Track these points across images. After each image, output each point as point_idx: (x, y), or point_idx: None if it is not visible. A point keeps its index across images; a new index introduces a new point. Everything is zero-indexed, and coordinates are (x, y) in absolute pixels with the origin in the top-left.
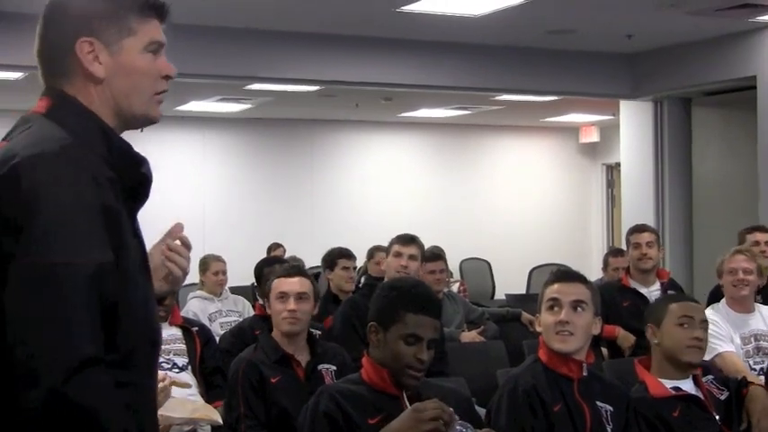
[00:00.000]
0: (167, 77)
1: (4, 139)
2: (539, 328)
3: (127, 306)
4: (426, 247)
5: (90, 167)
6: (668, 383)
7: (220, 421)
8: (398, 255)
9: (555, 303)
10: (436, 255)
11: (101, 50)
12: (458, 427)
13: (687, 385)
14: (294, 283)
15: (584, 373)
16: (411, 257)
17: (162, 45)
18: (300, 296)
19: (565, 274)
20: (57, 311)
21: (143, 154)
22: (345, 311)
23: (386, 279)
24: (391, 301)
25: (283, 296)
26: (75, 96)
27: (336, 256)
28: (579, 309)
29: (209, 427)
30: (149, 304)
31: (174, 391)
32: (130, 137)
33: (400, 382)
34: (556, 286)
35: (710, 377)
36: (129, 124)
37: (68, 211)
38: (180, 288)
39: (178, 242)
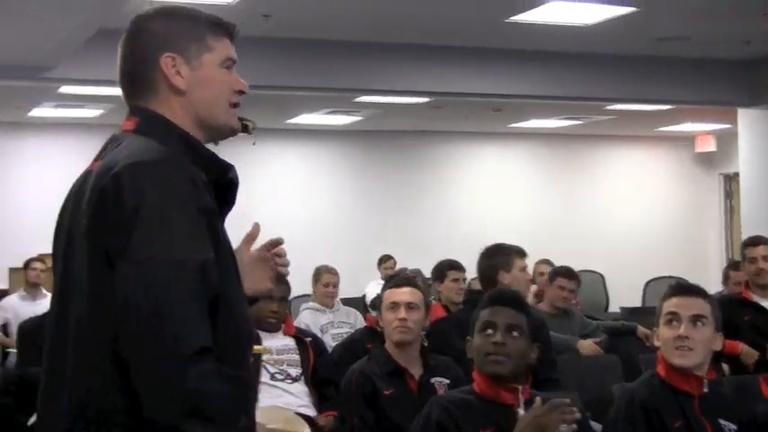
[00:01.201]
0: (240, 92)
1: (96, 160)
2: (656, 343)
3: (226, 301)
4: (538, 259)
5: (188, 171)
6: None
7: None
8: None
9: (674, 318)
10: (573, 273)
11: (182, 65)
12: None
13: None
14: (404, 293)
15: (705, 390)
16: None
17: (235, 62)
18: (410, 306)
19: (684, 288)
20: (168, 306)
21: (255, 166)
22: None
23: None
24: (477, 310)
25: (394, 306)
26: (160, 111)
27: (446, 268)
28: (699, 323)
29: None
30: (243, 302)
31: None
32: (243, 149)
33: (485, 373)
34: (674, 300)
35: None
36: (212, 135)
37: (172, 212)
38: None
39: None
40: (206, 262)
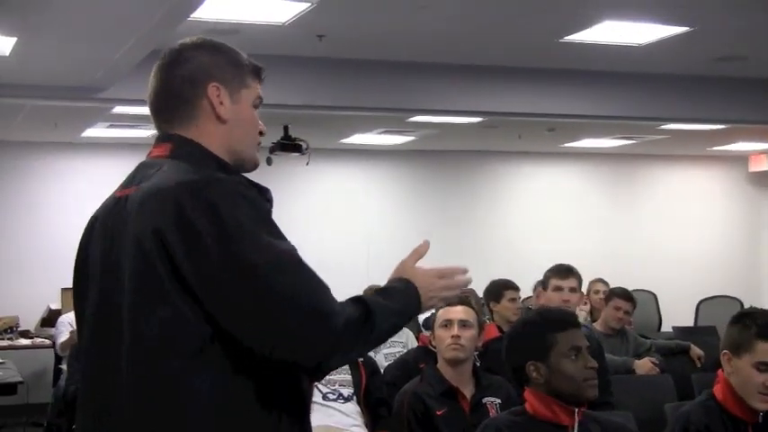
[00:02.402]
0: (261, 133)
1: (126, 187)
2: (728, 369)
3: None
4: (592, 278)
5: (239, 183)
6: None
7: None
8: (559, 288)
9: (766, 367)
10: (630, 295)
11: (225, 96)
12: None
13: None
14: (458, 312)
15: (760, 421)
16: (572, 290)
17: (261, 102)
18: (464, 323)
19: None
20: (309, 290)
21: (309, 185)
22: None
23: None
24: (539, 332)
25: (447, 324)
26: (195, 138)
27: (503, 288)
28: None
29: None
30: None
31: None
32: (297, 168)
33: (581, 399)
34: None
35: None
36: (238, 166)
37: (246, 218)
38: None
39: None
40: (295, 249)
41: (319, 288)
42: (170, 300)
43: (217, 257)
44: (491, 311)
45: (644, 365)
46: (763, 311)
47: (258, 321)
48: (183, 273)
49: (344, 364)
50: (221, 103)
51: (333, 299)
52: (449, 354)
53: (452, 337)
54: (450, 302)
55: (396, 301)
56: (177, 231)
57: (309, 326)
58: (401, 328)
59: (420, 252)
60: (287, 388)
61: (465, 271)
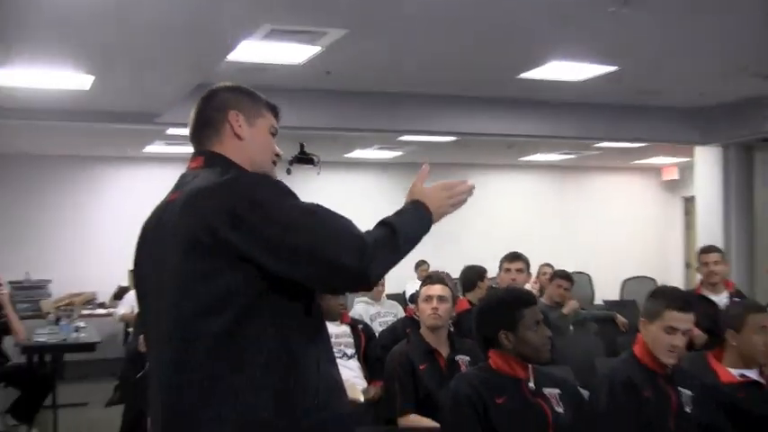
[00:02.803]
0: (277, 155)
1: (174, 192)
2: (644, 331)
3: None
4: (541, 263)
5: (265, 176)
6: (736, 372)
7: (362, 399)
8: (508, 270)
9: (673, 330)
10: (569, 275)
11: (243, 121)
12: None
13: (753, 373)
14: (437, 289)
15: (669, 372)
16: (518, 271)
17: (277, 132)
18: (441, 298)
19: (686, 304)
20: (333, 224)
21: (319, 190)
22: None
23: None
24: (509, 308)
25: (429, 299)
26: (221, 152)
27: (484, 271)
28: (687, 334)
29: None
30: None
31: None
32: (310, 177)
33: (540, 361)
34: (677, 315)
35: None
36: None
37: (275, 196)
38: None
39: None
40: (316, 204)
41: (345, 222)
42: (215, 274)
43: (262, 230)
44: (473, 288)
45: (570, 306)
46: (671, 288)
47: (309, 261)
48: (237, 248)
49: (385, 273)
50: (239, 126)
51: (357, 228)
52: (429, 322)
53: (432, 309)
54: (431, 281)
55: (412, 219)
56: (223, 218)
57: (348, 249)
58: (420, 240)
59: (424, 175)
60: (305, 354)
61: (464, 182)
